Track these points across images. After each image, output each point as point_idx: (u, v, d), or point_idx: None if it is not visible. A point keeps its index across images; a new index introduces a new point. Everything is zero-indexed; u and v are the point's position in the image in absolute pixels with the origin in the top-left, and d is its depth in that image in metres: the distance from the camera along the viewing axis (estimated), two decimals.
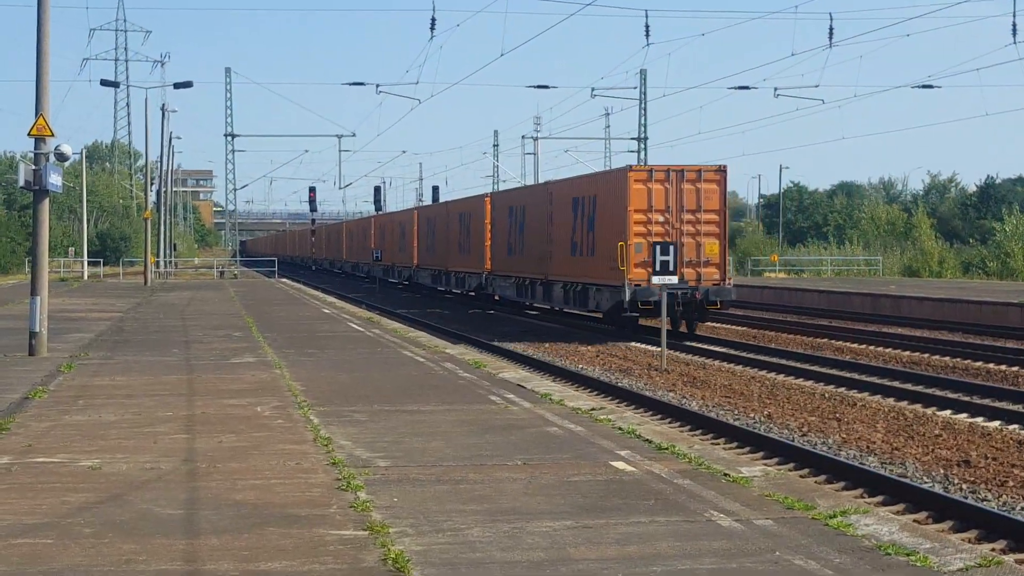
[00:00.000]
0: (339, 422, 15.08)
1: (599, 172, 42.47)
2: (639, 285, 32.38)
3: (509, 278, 44.78)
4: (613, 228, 33.97)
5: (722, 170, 33.86)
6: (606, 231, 34.58)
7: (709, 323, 36.85)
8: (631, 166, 35.58)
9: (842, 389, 22.61)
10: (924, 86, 61.20)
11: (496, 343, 31.56)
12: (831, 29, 53.52)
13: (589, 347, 31.05)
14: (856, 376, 24.12)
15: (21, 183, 23.93)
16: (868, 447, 16.48)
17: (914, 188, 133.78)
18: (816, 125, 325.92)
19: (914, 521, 11.53)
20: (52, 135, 23.80)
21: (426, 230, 60.44)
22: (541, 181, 56.43)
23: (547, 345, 31.53)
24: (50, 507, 10.24)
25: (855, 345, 31.77)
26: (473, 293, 51.08)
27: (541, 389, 19.04)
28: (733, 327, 38.63)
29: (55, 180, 24.18)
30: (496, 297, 47.93)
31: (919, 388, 22.35)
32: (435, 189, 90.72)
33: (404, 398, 17.51)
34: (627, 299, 32.48)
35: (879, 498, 13.14)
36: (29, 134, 23.80)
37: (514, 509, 10.27)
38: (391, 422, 15.17)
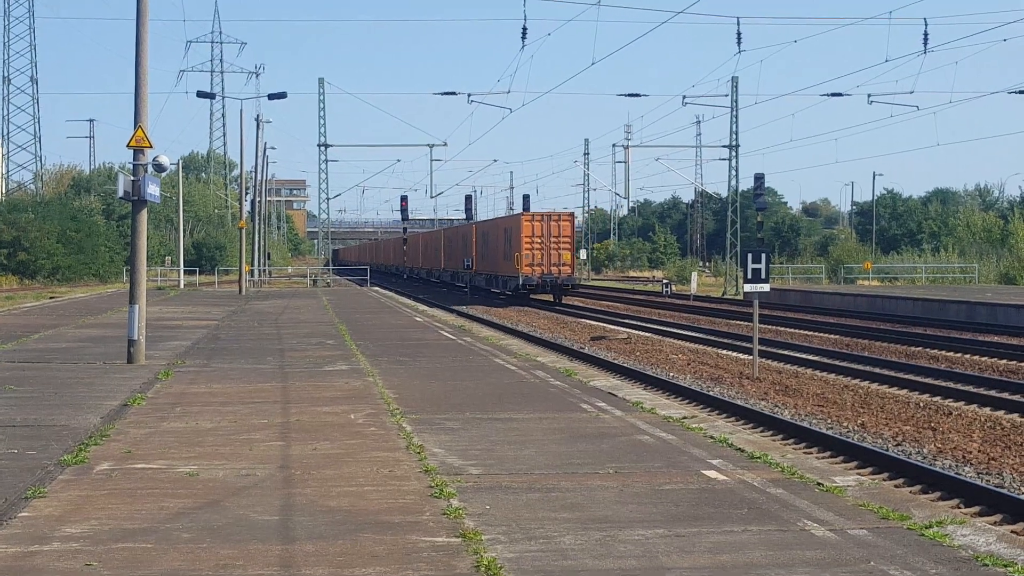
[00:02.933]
0: (431, 430, 15.17)
1: (512, 214, 70.69)
2: (527, 276, 59.06)
3: (482, 275, 69.62)
4: (516, 246, 59.85)
5: (572, 215, 62.37)
6: (513, 247, 60.35)
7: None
8: (523, 213, 65.30)
9: (937, 398, 22.37)
10: (1021, 91, 60.39)
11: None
12: (926, 34, 53.17)
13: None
14: (951, 385, 23.84)
15: (120, 194, 24.25)
16: (964, 457, 16.31)
17: (1011, 194, 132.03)
18: (910, 132, 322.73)
19: (1012, 532, 11.41)
20: (150, 146, 24.14)
21: (447, 245, 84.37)
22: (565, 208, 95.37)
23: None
24: (149, 512, 10.41)
25: (950, 353, 31.39)
26: (464, 285, 74.33)
27: (632, 397, 19.02)
28: (825, 335, 38.34)
29: (153, 190, 24.53)
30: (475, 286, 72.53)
31: (1016, 397, 22.04)
32: (526, 198, 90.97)
33: (496, 406, 17.57)
34: (520, 283, 59.46)
35: (976, 508, 13.01)
36: (128, 145, 24.15)
37: (606, 517, 10.28)
38: (483, 430, 15.24)
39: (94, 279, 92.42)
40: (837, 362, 28.61)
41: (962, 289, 63.47)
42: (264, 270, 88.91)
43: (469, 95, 72.70)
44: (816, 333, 39.42)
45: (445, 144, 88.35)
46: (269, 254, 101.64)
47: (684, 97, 79.65)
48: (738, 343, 33.60)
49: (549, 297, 60.57)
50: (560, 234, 59.61)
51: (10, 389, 19.14)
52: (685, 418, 16.71)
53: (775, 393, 23.15)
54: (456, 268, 76.90)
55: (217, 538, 9.52)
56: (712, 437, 14.76)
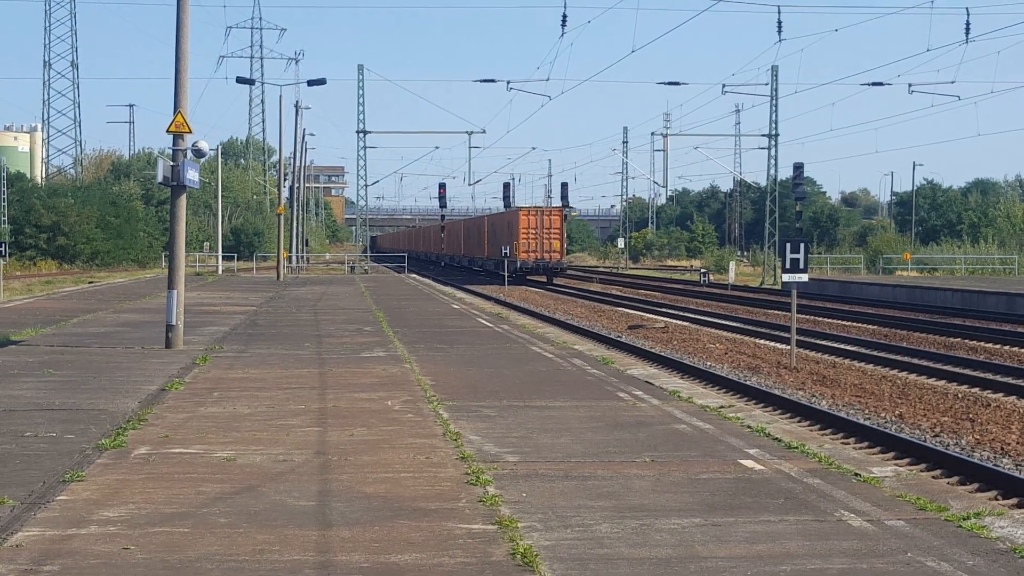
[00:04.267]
0: (468, 417, 15.18)
1: (512, 209, 79.23)
2: (523, 261, 69.94)
3: (492, 260, 78.09)
4: (515, 235, 70.68)
5: (561, 209, 74.18)
6: (513, 237, 70.86)
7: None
8: (520, 208, 75.29)
9: (976, 389, 22.23)
10: None
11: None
12: (968, 24, 52.73)
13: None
14: (990, 376, 23.69)
15: (159, 179, 24.35)
16: (1003, 448, 16.20)
17: None
18: (951, 122, 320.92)
19: None
20: (190, 132, 24.23)
21: (466, 233, 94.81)
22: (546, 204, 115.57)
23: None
24: (186, 497, 10.46)
25: (990, 345, 31.21)
26: (480, 269, 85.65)
27: (669, 386, 18.99)
28: (863, 326, 38.16)
29: (192, 176, 24.61)
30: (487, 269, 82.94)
31: None
32: (564, 186, 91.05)
33: (533, 394, 17.56)
34: (519, 266, 69.59)
35: (1014, 500, 12.91)
36: (167, 131, 24.24)
37: (642, 506, 10.27)
38: (520, 417, 15.24)
39: (133, 264, 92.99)
40: (875, 352, 28.47)
41: (1002, 280, 63.07)
42: (302, 256, 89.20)
43: (508, 82, 73.02)
44: (854, 323, 39.25)
45: (484, 131, 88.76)
46: (307, 240, 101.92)
47: (724, 85, 79.24)
48: (776, 333, 33.49)
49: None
50: (551, 226, 71.48)
51: (49, 373, 19.28)
52: (722, 407, 16.67)
53: (813, 383, 23.06)
54: (473, 254, 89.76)
55: (254, 523, 9.55)
56: (749, 426, 14.72)
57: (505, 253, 70.28)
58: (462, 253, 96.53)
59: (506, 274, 65.98)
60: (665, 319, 40.65)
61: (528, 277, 72.02)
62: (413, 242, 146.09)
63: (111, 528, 9.34)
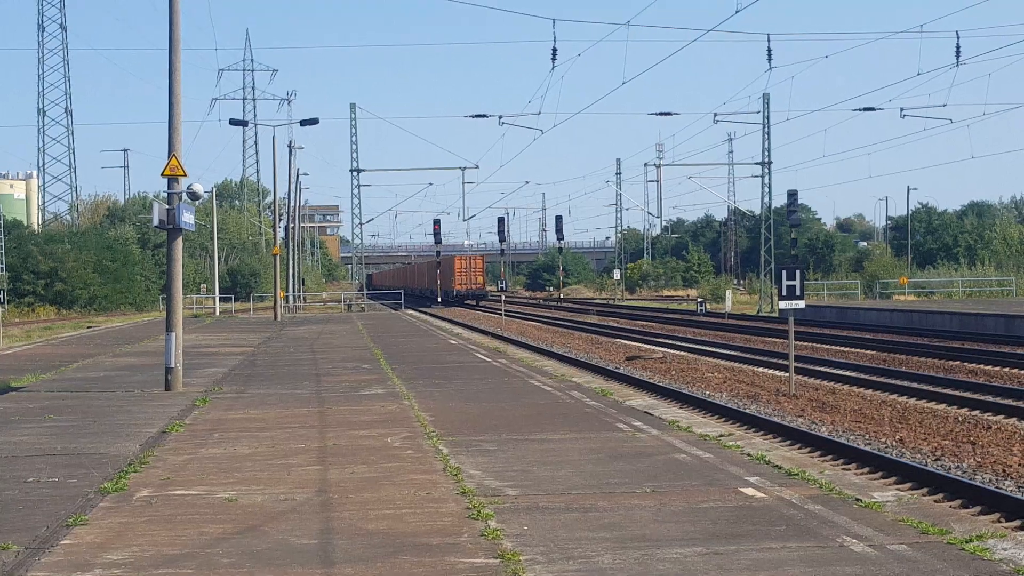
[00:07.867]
0: (468, 452, 15.20)
1: (450, 255, 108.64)
2: (458, 290, 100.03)
3: (442, 290, 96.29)
4: (451, 273, 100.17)
5: (483, 256, 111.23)
6: (453, 274, 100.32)
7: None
8: (455, 255, 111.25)
9: (976, 412, 22.24)
10: None
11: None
12: (958, 47, 52.67)
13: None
14: (991, 399, 23.69)
15: (155, 222, 24.39)
16: (1004, 471, 16.21)
17: None
18: (944, 145, 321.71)
19: None
20: (184, 175, 24.28)
21: (428, 270, 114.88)
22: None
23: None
24: (189, 538, 10.47)
25: (989, 367, 31.21)
26: (431, 296, 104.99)
27: (668, 416, 19.00)
28: (862, 351, 38.18)
29: (188, 219, 24.65)
30: (441, 299, 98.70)
31: None
32: (558, 219, 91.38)
33: (532, 427, 17.58)
34: (454, 295, 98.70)
35: (1017, 522, 12.92)
36: (162, 174, 24.29)
37: (644, 536, 10.28)
38: (519, 451, 15.25)
39: (130, 308, 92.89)
40: (874, 378, 28.48)
41: (999, 302, 63.12)
42: (298, 296, 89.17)
43: (500, 117, 73.25)
44: (852, 349, 39.26)
45: (477, 166, 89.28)
46: (303, 280, 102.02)
47: (715, 115, 79.55)
48: (774, 360, 33.51)
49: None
50: (476, 266, 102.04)
51: (50, 418, 19.28)
52: (722, 436, 16.68)
53: (812, 410, 23.07)
54: (432, 287, 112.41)
55: (257, 563, 9.56)
56: (749, 455, 14.73)
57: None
58: (426, 286, 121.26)
59: (505, 303, 66.05)
60: (663, 349, 40.67)
61: (464, 301, 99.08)
62: (408, 279, 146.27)
63: (115, 571, 9.34)
